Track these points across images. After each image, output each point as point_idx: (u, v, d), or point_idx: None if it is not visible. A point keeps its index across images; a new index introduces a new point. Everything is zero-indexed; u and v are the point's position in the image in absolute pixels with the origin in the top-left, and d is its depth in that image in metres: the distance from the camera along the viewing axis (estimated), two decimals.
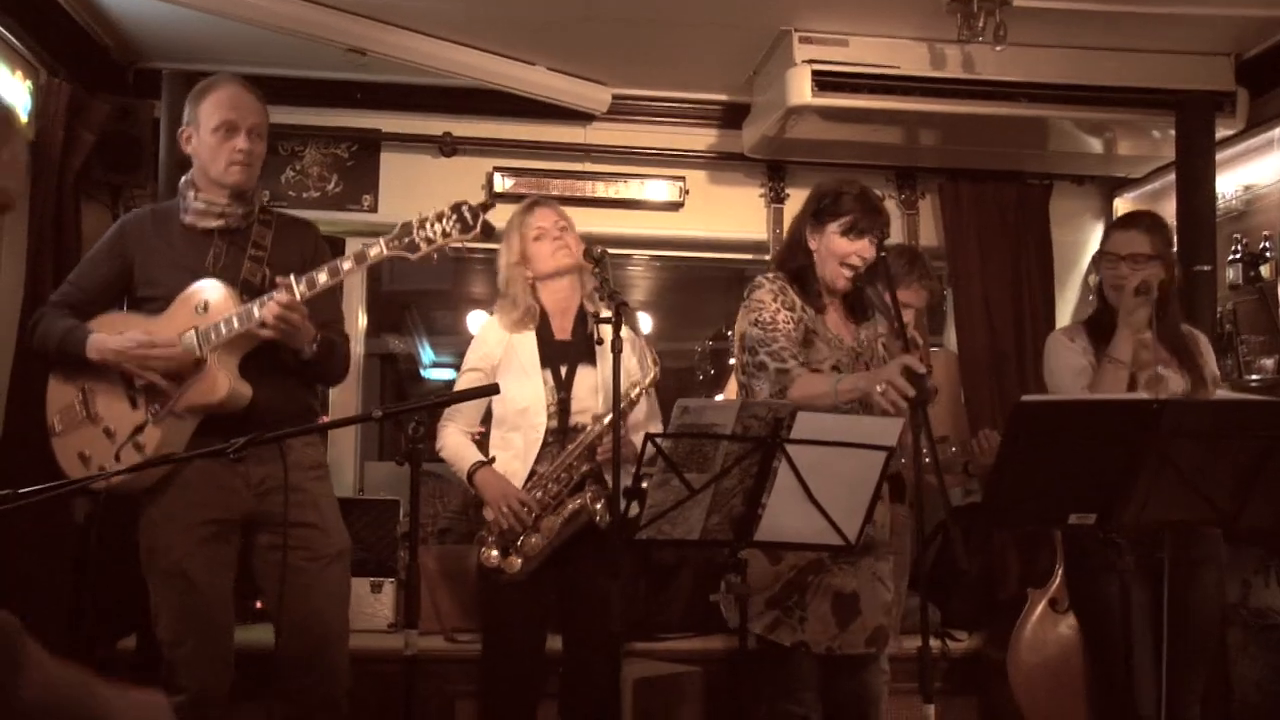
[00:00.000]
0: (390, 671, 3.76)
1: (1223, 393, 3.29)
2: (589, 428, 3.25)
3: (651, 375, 3.30)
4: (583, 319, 3.38)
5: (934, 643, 4.02)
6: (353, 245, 4.81)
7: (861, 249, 2.97)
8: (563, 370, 3.29)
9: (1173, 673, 3.03)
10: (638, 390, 3.30)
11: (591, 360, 3.32)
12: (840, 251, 2.99)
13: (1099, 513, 2.54)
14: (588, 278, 3.34)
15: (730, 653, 3.95)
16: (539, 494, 3.21)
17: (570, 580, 3.29)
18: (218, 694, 2.91)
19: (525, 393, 3.26)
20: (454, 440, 3.35)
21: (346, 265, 2.89)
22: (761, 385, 2.93)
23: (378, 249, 2.87)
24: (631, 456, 2.99)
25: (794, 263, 3.08)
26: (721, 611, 3.02)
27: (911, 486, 3.38)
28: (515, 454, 3.28)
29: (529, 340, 3.33)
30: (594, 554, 3.22)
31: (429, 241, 2.85)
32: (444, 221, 2.86)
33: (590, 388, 3.30)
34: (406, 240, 2.86)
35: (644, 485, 2.94)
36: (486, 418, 3.44)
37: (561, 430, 3.27)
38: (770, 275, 3.07)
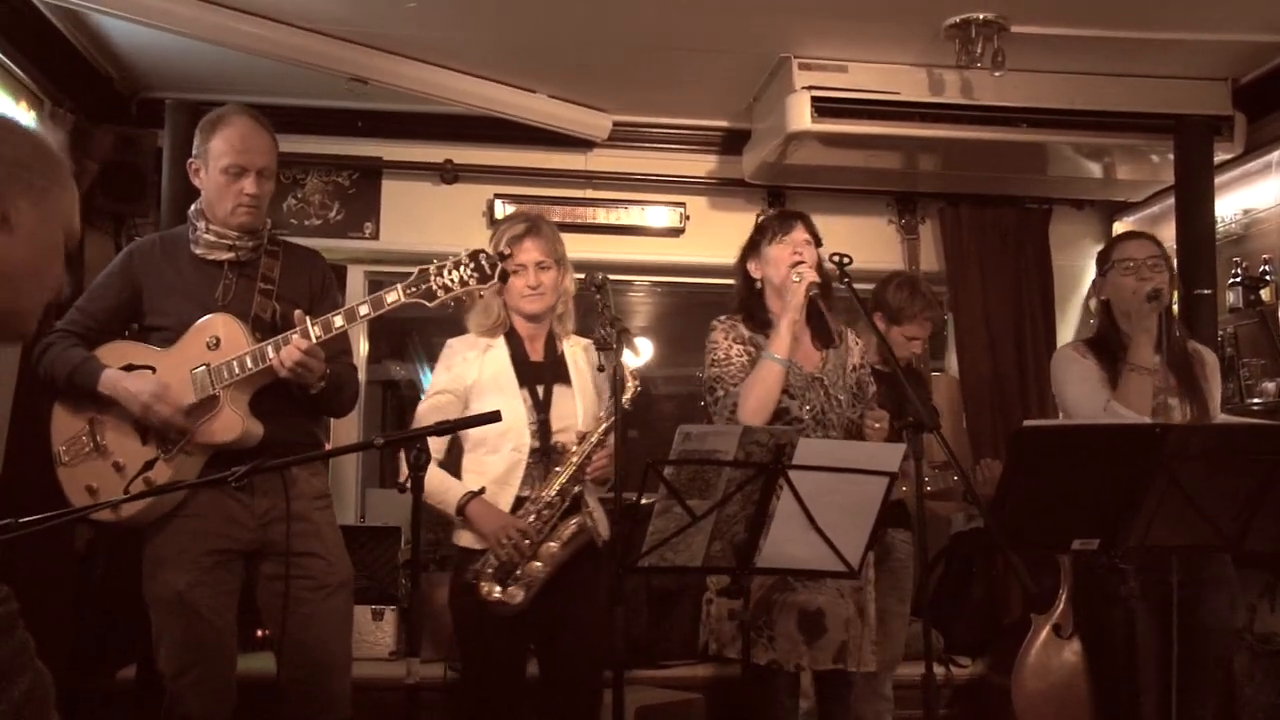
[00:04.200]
0: (392, 700, 3.75)
1: (1224, 417, 3.27)
2: (571, 447, 3.21)
3: (631, 392, 3.23)
4: (552, 341, 3.34)
5: (938, 669, 3.99)
6: (355, 272, 4.87)
7: (794, 240, 3.15)
8: (539, 390, 3.25)
9: (1183, 700, 3.00)
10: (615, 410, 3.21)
11: (566, 380, 3.27)
12: (780, 256, 3.14)
13: (1103, 538, 2.53)
14: (559, 305, 3.31)
15: (731, 680, 3.94)
16: (533, 519, 3.16)
17: (556, 606, 3.19)
18: None
19: (506, 413, 3.19)
20: (434, 473, 3.16)
21: (364, 310, 2.90)
22: (720, 419, 3.09)
23: (395, 295, 2.88)
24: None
25: (742, 299, 3.28)
26: (703, 638, 3.18)
27: (913, 513, 3.37)
28: (494, 478, 3.18)
29: (503, 360, 3.27)
30: (582, 579, 3.18)
31: (446, 289, 2.85)
32: (461, 269, 2.86)
33: (569, 407, 3.25)
34: (424, 287, 2.86)
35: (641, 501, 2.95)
36: (451, 445, 3.37)
37: (544, 451, 3.20)
38: (723, 318, 3.25)
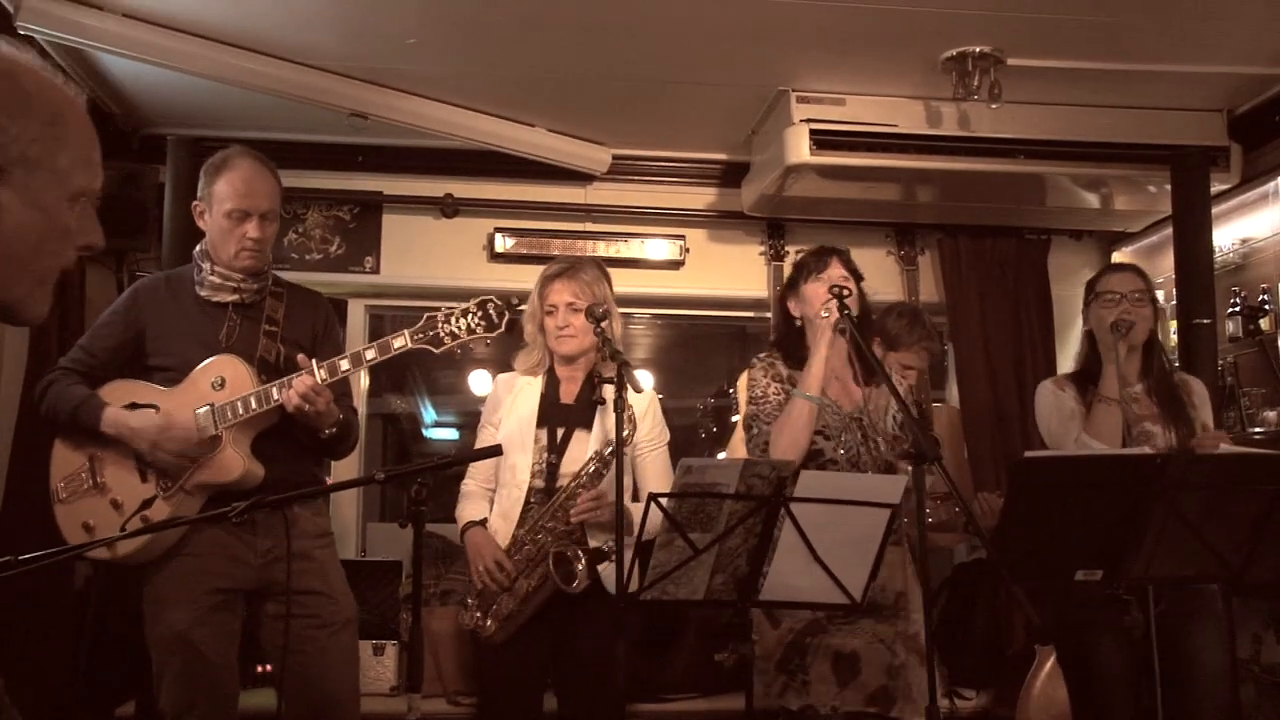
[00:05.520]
0: None
1: (1226, 446, 3.27)
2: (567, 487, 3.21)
3: (628, 432, 3.21)
4: (590, 382, 3.35)
5: (942, 702, 3.97)
6: (356, 306, 4.87)
7: (830, 276, 3.10)
8: (559, 433, 3.27)
9: None
10: (609, 450, 3.13)
11: (589, 425, 3.28)
12: (814, 293, 3.10)
13: (1106, 568, 2.52)
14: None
15: (734, 713, 3.91)
16: (518, 556, 3.18)
17: (561, 641, 3.22)
18: None
19: (514, 450, 3.24)
20: (463, 499, 3.37)
21: (370, 354, 2.92)
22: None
23: (402, 341, 2.90)
24: (625, 522, 2.93)
25: (780, 336, 3.29)
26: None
27: (915, 544, 3.35)
28: (501, 512, 3.26)
29: (532, 398, 3.31)
30: (585, 614, 3.16)
31: (453, 336, 2.88)
32: (469, 317, 2.88)
33: (583, 451, 3.26)
34: (431, 334, 2.89)
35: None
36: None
37: (547, 492, 3.22)
38: (762, 355, 3.25)
